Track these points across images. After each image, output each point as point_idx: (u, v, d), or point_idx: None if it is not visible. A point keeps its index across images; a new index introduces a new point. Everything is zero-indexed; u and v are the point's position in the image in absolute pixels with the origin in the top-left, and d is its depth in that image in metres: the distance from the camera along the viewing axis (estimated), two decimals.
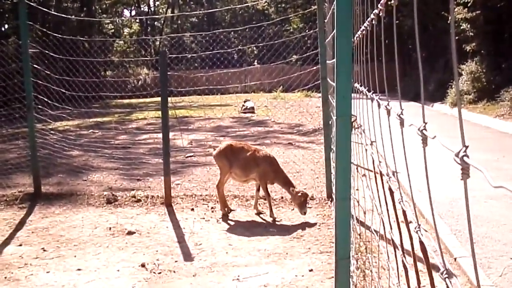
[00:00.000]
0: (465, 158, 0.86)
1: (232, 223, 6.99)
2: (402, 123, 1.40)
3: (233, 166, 7.21)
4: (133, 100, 24.26)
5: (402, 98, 1.74)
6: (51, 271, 5.40)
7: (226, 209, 7.34)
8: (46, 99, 9.08)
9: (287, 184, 7.04)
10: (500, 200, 7.32)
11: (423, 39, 28.31)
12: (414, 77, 30.12)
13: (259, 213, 7.24)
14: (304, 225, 6.78)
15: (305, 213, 6.86)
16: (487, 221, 6.43)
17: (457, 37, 21.54)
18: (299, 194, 6.84)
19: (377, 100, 2.08)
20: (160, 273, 5.29)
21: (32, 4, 11.98)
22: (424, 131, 1.10)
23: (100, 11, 43.56)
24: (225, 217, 7.18)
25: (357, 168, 3.93)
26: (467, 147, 0.86)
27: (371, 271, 4.37)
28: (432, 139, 1.10)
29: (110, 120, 18.48)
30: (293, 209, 7.35)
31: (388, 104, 1.74)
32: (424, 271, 4.23)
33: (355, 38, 3.18)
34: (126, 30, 52.96)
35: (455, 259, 5.24)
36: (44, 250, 6.04)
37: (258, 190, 7.27)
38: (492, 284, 4.64)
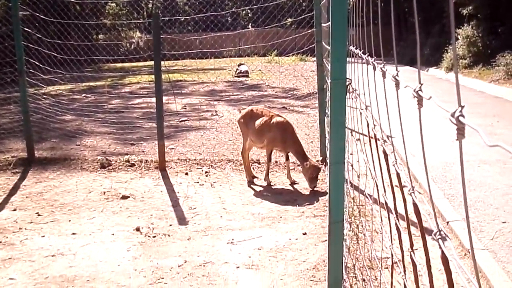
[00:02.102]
0: (460, 118, 0.85)
1: (226, 187, 7.03)
2: (397, 85, 1.39)
3: (249, 132, 7.18)
4: (126, 64, 24.07)
5: (397, 63, 1.72)
6: (46, 235, 5.43)
7: (250, 176, 7.31)
8: (37, 63, 8.98)
9: (299, 155, 6.86)
10: (493, 165, 7.37)
11: (419, 3, 28.01)
12: (409, 42, 29.95)
13: (293, 183, 7.06)
14: (298, 190, 6.82)
15: (314, 187, 6.65)
16: (480, 186, 6.49)
17: (453, 0, 21.31)
18: (311, 168, 6.64)
19: (372, 62, 2.06)
20: (154, 236, 5.33)
21: None
22: (419, 92, 1.09)
23: None
24: (249, 183, 7.15)
25: (351, 133, 3.93)
26: (463, 107, 0.86)
27: (364, 234, 4.42)
28: (428, 100, 1.09)
29: (103, 84, 18.36)
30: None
31: (383, 67, 1.72)
32: (417, 235, 4.29)
33: (350, 0, 3.13)
34: None
35: (447, 222, 5.29)
36: (39, 215, 6.06)
37: (287, 158, 7.13)
38: (484, 247, 4.70)
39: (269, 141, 6.97)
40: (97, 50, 11.12)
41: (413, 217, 1.69)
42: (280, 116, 7.14)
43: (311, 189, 6.67)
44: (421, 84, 1.12)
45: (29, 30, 8.94)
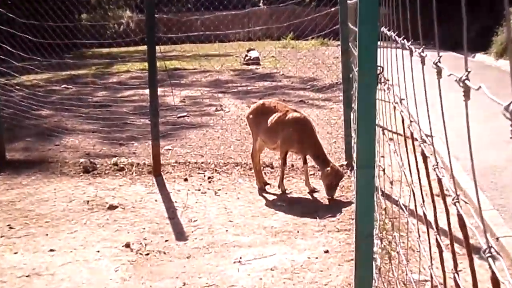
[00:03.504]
0: None
1: (233, 196, 7.03)
2: (439, 73, 1.38)
3: (260, 130, 7.19)
4: (114, 49, 24.11)
5: (439, 47, 1.71)
6: (19, 252, 5.46)
7: (262, 182, 7.31)
8: (9, 48, 9.03)
9: (319, 158, 6.82)
10: None
11: None
12: (452, 23, 29.72)
13: (312, 191, 7.06)
14: (319, 199, 6.81)
15: (332, 197, 6.65)
16: None
17: None
18: (331, 174, 6.61)
19: (409, 46, 2.06)
20: (147, 254, 5.34)
21: None
22: (467, 81, 1.09)
23: None
24: (260, 191, 7.16)
25: (383, 131, 3.93)
26: None
27: (398, 252, 4.41)
28: (476, 91, 1.09)
29: (87, 73, 18.41)
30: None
31: (422, 52, 1.72)
32: (462, 253, 4.26)
33: None
34: None
35: (497, 238, 5.26)
36: (11, 228, 6.10)
37: (305, 162, 7.11)
38: None
39: (284, 141, 6.95)
40: (79, 33, 11.19)
41: (457, 231, 1.69)
42: (297, 112, 7.13)
43: (329, 198, 6.66)
44: (468, 72, 1.12)
45: (0, 10, 9.00)
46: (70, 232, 5.95)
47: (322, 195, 6.88)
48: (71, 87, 15.58)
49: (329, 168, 6.62)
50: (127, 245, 5.53)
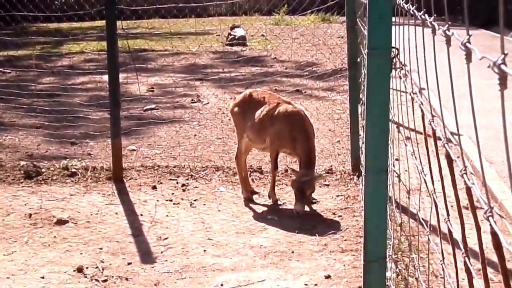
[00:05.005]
0: None
1: (212, 207, 7.02)
2: (468, 57, 1.38)
3: (247, 126, 7.19)
4: (64, 24, 24.04)
5: (469, 24, 1.72)
6: None
7: (248, 191, 7.33)
8: None
9: (305, 160, 6.78)
10: None
11: None
12: None
13: (310, 202, 7.04)
14: (319, 212, 6.82)
15: (297, 212, 6.64)
16: None
17: None
18: (296, 181, 6.67)
19: (431, 23, 2.06)
20: (105, 281, 5.32)
21: None
22: (503, 66, 1.09)
23: None
24: (247, 202, 7.18)
25: (398, 128, 3.94)
26: None
27: (416, 278, 4.43)
28: None
29: (29, 54, 18.33)
30: None
31: (447, 30, 1.72)
32: (496, 280, 4.28)
33: None
34: None
35: None
36: None
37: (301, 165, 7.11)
38: None
39: (273, 140, 6.95)
40: (19, 3, 11.10)
41: (490, 253, 1.69)
42: (290, 104, 7.14)
43: (294, 212, 6.69)
44: (505, 54, 1.12)
45: None
46: (7, 254, 5.91)
47: (322, 207, 6.89)
48: (9, 71, 15.50)
49: (308, 172, 6.69)
50: (80, 270, 5.51)
